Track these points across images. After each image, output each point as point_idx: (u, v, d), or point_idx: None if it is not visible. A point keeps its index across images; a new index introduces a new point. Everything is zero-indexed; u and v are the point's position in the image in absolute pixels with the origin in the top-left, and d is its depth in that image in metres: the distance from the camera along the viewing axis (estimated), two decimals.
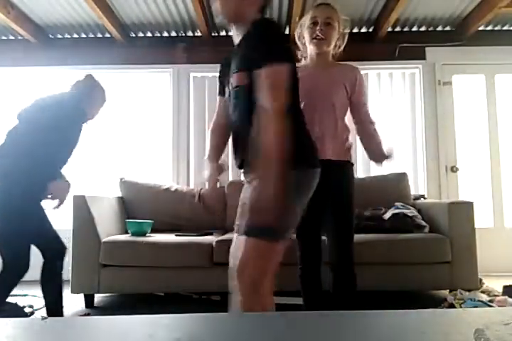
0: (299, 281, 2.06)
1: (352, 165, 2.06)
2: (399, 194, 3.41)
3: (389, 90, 4.12)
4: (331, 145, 1.97)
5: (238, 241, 1.55)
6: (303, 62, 2.14)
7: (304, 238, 2.04)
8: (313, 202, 1.99)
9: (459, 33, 4.00)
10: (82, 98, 2.33)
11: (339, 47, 2.11)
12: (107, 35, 4.06)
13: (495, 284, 2.94)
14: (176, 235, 3.02)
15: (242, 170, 1.60)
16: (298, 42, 2.14)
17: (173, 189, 3.59)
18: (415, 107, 4.09)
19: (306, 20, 2.06)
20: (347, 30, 2.12)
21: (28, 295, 3.06)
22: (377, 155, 2.06)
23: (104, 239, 2.81)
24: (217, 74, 1.69)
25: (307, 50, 2.10)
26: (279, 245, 1.41)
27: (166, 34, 4.16)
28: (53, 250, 2.26)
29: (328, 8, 2.08)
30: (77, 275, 2.78)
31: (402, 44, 3.99)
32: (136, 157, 4.11)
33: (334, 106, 2.01)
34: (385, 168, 3.92)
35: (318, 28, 2.00)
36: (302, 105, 1.98)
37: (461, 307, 2.44)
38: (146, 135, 4.14)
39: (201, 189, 1.67)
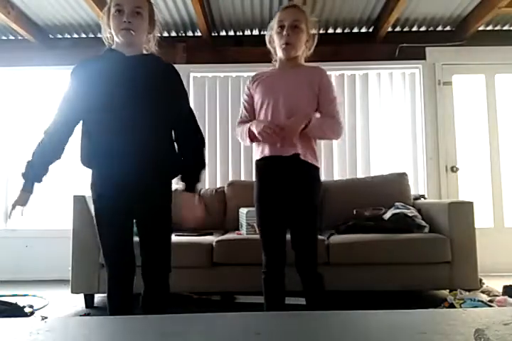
0: (263, 285, 1.99)
1: (317, 167, 2.00)
2: (399, 194, 3.41)
3: (389, 90, 4.12)
4: (298, 142, 1.93)
5: None
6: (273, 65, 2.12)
7: (270, 237, 2.00)
8: (278, 198, 2.00)
9: (459, 33, 4.00)
10: None
11: (309, 48, 2.06)
12: None
13: (495, 284, 2.94)
14: (176, 235, 3.01)
15: None
16: (269, 46, 2.09)
17: (173, 189, 3.58)
18: (415, 107, 4.09)
19: (274, 23, 2.01)
20: (315, 31, 2.05)
21: (28, 295, 3.06)
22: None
23: None
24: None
25: (278, 53, 2.05)
26: None
27: (166, 34, 4.15)
28: None
29: (294, 10, 2.00)
30: (77, 275, 2.77)
31: (402, 44, 3.99)
32: None
33: (300, 104, 1.97)
34: (385, 168, 3.94)
35: (284, 32, 1.94)
36: (268, 104, 1.99)
37: (461, 307, 2.43)
38: None
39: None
